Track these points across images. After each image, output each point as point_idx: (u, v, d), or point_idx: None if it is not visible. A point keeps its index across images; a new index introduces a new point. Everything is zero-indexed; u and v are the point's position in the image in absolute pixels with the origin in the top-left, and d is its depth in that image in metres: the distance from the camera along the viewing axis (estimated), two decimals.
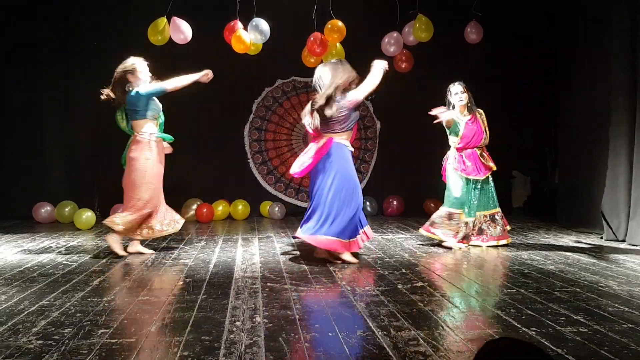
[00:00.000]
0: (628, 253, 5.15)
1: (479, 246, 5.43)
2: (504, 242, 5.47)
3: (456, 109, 5.53)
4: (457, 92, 5.53)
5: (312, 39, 6.83)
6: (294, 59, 7.57)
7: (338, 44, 6.99)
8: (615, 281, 3.97)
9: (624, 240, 5.72)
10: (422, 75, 8.14)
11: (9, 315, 3.18)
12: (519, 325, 2.95)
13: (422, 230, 5.63)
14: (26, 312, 3.23)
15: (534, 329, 2.89)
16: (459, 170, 5.48)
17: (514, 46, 8.28)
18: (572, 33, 6.73)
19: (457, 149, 5.54)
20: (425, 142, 8.45)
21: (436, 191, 8.32)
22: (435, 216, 5.59)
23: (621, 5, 5.79)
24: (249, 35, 6.60)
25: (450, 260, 4.82)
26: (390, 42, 7.25)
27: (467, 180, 5.46)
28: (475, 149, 5.50)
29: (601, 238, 5.98)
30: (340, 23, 6.71)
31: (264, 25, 6.60)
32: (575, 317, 3.09)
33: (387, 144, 8.54)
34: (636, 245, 5.47)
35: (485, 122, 5.55)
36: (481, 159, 5.48)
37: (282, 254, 5.18)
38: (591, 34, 6.33)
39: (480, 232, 5.49)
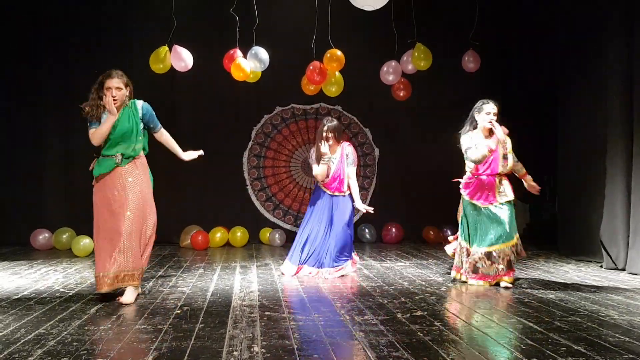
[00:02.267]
0: (628, 282, 5.13)
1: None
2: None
3: (477, 130, 4.96)
4: (489, 112, 4.86)
5: (311, 67, 6.90)
6: (293, 87, 7.64)
7: (337, 73, 7.06)
8: (616, 310, 3.95)
9: (623, 269, 5.70)
10: (421, 104, 8.21)
11: (4, 344, 3.14)
12: (520, 356, 2.93)
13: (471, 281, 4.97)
14: (22, 341, 3.19)
15: (534, 359, 2.87)
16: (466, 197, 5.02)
17: (511, 75, 8.36)
18: (570, 63, 6.80)
19: (474, 174, 4.99)
20: (424, 168, 8.49)
21: (435, 218, 8.36)
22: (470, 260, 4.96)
23: (617, 36, 5.88)
24: (249, 64, 6.67)
25: (450, 290, 4.79)
26: (389, 71, 7.33)
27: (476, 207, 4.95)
28: (494, 177, 4.92)
29: (601, 267, 5.96)
30: (339, 52, 6.79)
31: (263, 53, 6.67)
32: (575, 348, 3.06)
33: (386, 171, 8.56)
34: (636, 274, 5.45)
35: (511, 146, 4.96)
36: (498, 187, 4.90)
37: (281, 282, 5.15)
38: (588, 63, 6.40)
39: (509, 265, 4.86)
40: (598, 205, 6.15)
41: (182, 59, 6.65)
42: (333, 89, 7.21)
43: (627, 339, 3.24)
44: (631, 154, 5.69)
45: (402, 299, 4.35)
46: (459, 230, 5.14)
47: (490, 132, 4.88)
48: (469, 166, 5.03)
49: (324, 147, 5.40)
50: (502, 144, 4.87)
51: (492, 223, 4.86)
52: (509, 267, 4.84)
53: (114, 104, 4.16)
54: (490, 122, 4.83)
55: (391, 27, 7.18)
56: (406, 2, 7.15)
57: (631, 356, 2.91)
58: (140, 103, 4.35)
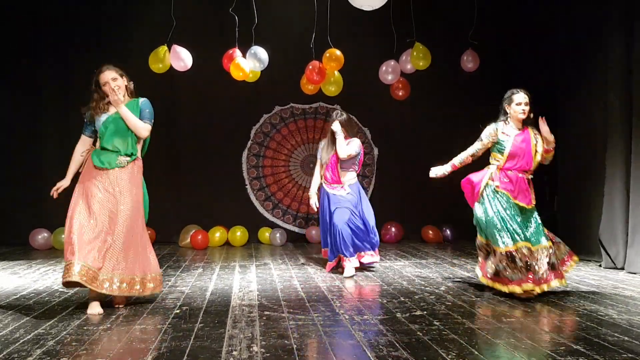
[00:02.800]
0: (627, 281, 5.14)
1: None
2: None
3: (509, 122, 4.57)
4: (520, 102, 4.50)
5: (310, 67, 6.90)
6: (292, 86, 7.65)
7: (336, 72, 7.06)
8: (615, 310, 3.95)
9: (622, 268, 5.71)
10: (420, 103, 8.21)
11: (4, 344, 3.14)
12: (519, 355, 2.93)
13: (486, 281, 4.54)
14: (21, 341, 3.19)
15: (533, 358, 2.87)
16: (501, 189, 4.46)
17: (510, 75, 8.34)
18: (569, 63, 6.80)
19: (501, 169, 4.53)
20: (424, 168, 8.46)
21: (434, 218, 8.37)
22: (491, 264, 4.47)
23: (617, 36, 5.88)
24: (248, 63, 6.67)
25: (448, 289, 4.80)
26: (388, 71, 7.33)
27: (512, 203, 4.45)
28: (523, 173, 4.51)
29: (600, 266, 5.96)
30: (338, 52, 6.79)
31: (262, 53, 6.67)
32: (575, 347, 3.07)
33: (385, 171, 8.57)
34: (635, 273, 5.46)
35: (542, 143, 4.55)
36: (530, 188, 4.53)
37: (280, 281, 5.15)
38: (588, 63, 6.40)
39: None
40: (597, 204, 6.15)
41: (182, 58, 6.65)
42: (332, 89, 7.22)
43: (626, 338, 3.24)
44: (630, 153, 5.69)
45: (402, 299, 4.35)
46: (481, 231, 4.61)
47: (523, 124, 4.53)
48: (496, 158, 4.59)
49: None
50: (545, 141, 4.52)
51: (526, 221, 4.44)
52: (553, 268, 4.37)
53: (116, 93, 4.05)
54: (542, 118, 4.45)
55: (390, 27, 7.18)
56: (405, 2, 7.15)
57: (630, 355, 2.91)
58: (142, 99, 4.26)
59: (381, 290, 4.73)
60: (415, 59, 7.12)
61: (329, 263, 5.63)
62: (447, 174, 4.92)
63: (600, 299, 4.32)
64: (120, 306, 4.06)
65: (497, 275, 4.40)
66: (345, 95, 7.68)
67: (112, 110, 4.16)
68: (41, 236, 7.59)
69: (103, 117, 4.17)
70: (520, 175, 4.49)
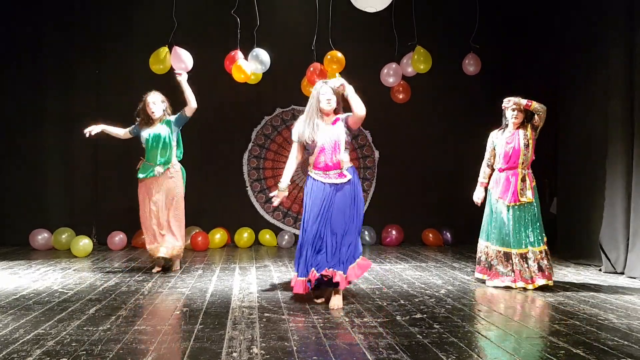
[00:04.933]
0: (627, 285, 5.13)
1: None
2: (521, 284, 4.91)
3: (509, 127, 5.08)
4: (512, 109, 5.04)
5: (311, 69, 6.91)
6: (294, 88, 7.65)
7: (337, 75, 7.06)
8: (615, 314, 3.95)
9: (622, 273, 5.70)
10: (420, 106, 8.21)
11: (3, 344, 3.14)
12: (518, 358, 2.93)
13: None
14: (21, 341, 3.19)
15: None
16: (491, 190, 5.13)
17: (512, 78, 8.36)
18: (571, 66, 6.80)
19: (499, 170, 5.09)
20: (424, 171, 8.50)
21: (435, 221, 8.37)
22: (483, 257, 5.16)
23: (618, 39, 5.89)
24: (249, 65, 6.67)
25: (449, 292, 4.79)
26: (390, 73, 7.34)
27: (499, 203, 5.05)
28: (517, 170, 4.98)
29: (600, 270, 5.96)
30: (339, 54, 6.80)
31: (264, 55, 6.68)
32: (574, 351, 3.06)
33: (386, 174, 8.56)
34: (635, 278, 5.45)
35: (531, 131, 5.00)
36: (520, 184, 4.96)
37: (280, 283, 5.15)
38: (589, 67, 6.40)
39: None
40: (597, 208, 6.15)
41: (182, 60, 6.65)
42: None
43: (625, 342, 3.24)
44: (631, 157, 5.70)
45: (402, 302, 4.35)
46: (484, 231, 5.18)
47: (520, 126, 5.03)
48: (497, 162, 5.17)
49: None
50: (523, 135, 4.99)
51: (515, 223, 4.95)
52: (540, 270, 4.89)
53: (153, 114, 5.62)
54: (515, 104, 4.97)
55: (392, 30, 7.19)
56: (407, 5, 7.16)
57: None
58: (173, 117, 5.67)
59: (381, 293, 4.72)
60: (417, 62, 7.13)
61: (298, 278, 4.24)
62: (483, 192, 5.29)
63: (600, 304, 4.32)
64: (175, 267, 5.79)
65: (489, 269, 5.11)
66: (345, 98, 7.67)
67: (152, 129, 5.61)
68: (41, 236, 7.58)
69: (145, 134, 5.61)
70: (510, 174, 5.00)
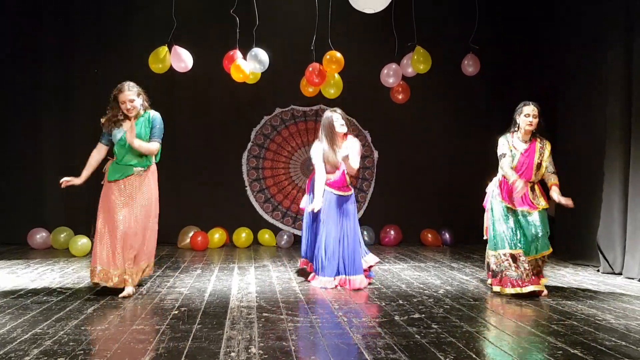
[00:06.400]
0: (624, 286, 5.14)
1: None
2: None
3: (518, 133, 4.76)
4: (528, 114, 4.67)
5: (310, 69, 6.90)
6: (293, 88, 7.64)
7: (336, 75, 7.06)
8: (612, 315, 3.96)
9: (620, 274, 5.71)
10: (420, 106, 8.21)
11: (1, 343, 3.14)
12: (515, 359, 2.93)
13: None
14: (19, 341, 3.19)
15: None
16: (498, 197, 4.79)
17: (511, 79, 8.37)
18: (570, 67, 6.81)
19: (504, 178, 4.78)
20: (423, 171, 8.50)
21: (433, 221, 8.38)
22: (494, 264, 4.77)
23: (617, 41, 5.89)
24: (248, 65, 6.67)
25: (447, 292, 4.80)
26: (389, 74, 7.33)
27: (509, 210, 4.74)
28: (526, 182, 4.69)
29: (598, 271, 5.96)
30: (338, 54, 6.79)
31: (262, 55, 6.67)
32: (572, 351, 3.07)
33: (385, 174, 8.56)
34: (632, 279, 5.46)
35: (548, 154, 4.79)
36: (530, 194, 4.71)
37: (279, 283, 5.15)
38: (588, 68, 6.41)
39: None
40: (595, 209, 6.16)
41: (182, 59, 6.65)
42: (332, 91, 7.21)
43: (623, 343, 3.24)
44: (629, 158, 5.71)
45: (400, 302, 4.35)
46: (490, 240, 4.82)
47: (531, 138, 4.75)
48: (501, 172, 4.80)
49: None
50: (539, 151, 4.74)
51: (528, 228, 4.65)
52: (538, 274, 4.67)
53: (130, 112, 4.57)
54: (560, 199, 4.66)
55: (391, 30, 7.19)
56: (407, 6, 7.16)
57: None
58: (153, 114, 4.67)
59: (380, 293, 4.72)
60: (416, 62, 7.12)
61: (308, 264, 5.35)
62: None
63: (597, 304, 4.33)
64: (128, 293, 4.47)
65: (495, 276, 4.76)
66: (345, 98, 7.69)
67: (126, 126, 4.58)
68: (39, 236, 7.58)
69: (118, 135, 4.59)
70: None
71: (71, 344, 3.14)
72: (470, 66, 7.36)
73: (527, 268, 4.57)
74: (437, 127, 8.50)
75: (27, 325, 3.54)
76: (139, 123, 4.58)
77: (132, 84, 4.60)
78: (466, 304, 4.33)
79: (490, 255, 4.79)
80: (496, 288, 4.66)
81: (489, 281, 4.82)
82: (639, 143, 5.61)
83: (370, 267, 5.21)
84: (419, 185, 8.48)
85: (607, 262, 5.87)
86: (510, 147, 4.74)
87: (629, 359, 2.94)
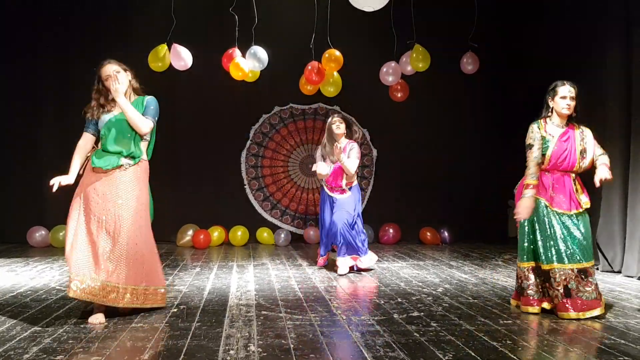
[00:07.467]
0: (624, 284, 5.14)
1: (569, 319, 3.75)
2: (597, 312, 3.75)
3: (553, 117, 4.06)
4: (565, 96, 3.99)
5: (309, 67, 6.90)
6: (292, 86, 7.65)
7: (335, 73, 7.06)
8: (612, 313, 3.96)
9: (619, 272, 5.72)
10: (418, 104, 8.21)
11: (0, 341, 3.14)
12: (514, 357, 2.93)
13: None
14: (18, 338, 3.19)
15: None
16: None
17: (510, 77, 8.38)
18: (568, 66, 6.79)
19: (544, 170, 4.03)
20: (422, 170, 8.50)
21: (432, 219, 8.38)
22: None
23: (616, 40, 5.89)
24: (247, 63, 6.66)
25: (446, 290, 4.80)
26: (389, 72, 7.34)
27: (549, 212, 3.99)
28: (568, 174, 4.05)
29: (597, 269, 5.97)
30: (337, 52, 6.79)
31: (261, 53, 6.67)
32: (572, 350, 3.07)
33: (384, 172, 8.57)
34: (632, 277, 5.47)
35: (592, 138, 4.08)
36: (574, 188, 4.08)
37: (278, 281, 5.15)
38: (587, 67, 6.39)
39: (568, 293, 3.78)
40: (595, 208, 6.14)
41: (182, 58, 6.65)
42: (331, 89, 7.22)
43: (622, 341, 3.24)
44: (628, 156, 5.71)
45: (399, 300, 4.35)
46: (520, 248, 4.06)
47: (568, 122, 4.03)
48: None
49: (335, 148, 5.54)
50: (580, 136, 4.01)
51: (568, 235, 3.99)
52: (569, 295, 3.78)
53: (119, 83, 3.83)
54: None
55: (390, 29, 7.19)
56: (406, 4, 7.16)
57: (627, 358, 2.91)
58: (148, 97, 4.04)
59: (378, 291, 4.73)
60: (415, 60, 7.13)
61: (321, 257, 5.98)
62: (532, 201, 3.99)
63: None
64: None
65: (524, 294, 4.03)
66: (344, 96, 7.69)
67: (116, 111, 3.92)
68: (39, 234, 7.58)
69: (106, 118, 3.92)
70: (562, 175, 4.03)
71: (70, 341, 3.14)
72: (469, 64, 7.38)
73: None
74: (436, 126, 8.50)
75: (26, 323, 3.54)
76: (132, 106, 3.90)
77: (113, 60, 3.98)
78: (465, 302, 4.33)
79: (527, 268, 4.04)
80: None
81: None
82: (638, 142, 5.62)
83: (359, 268, 5.69)
84: (417, 183, 8.48)
85: (607, 260, 5.87)
86: (544, 135, 3.97)
87: (628, 357, 2.94)
